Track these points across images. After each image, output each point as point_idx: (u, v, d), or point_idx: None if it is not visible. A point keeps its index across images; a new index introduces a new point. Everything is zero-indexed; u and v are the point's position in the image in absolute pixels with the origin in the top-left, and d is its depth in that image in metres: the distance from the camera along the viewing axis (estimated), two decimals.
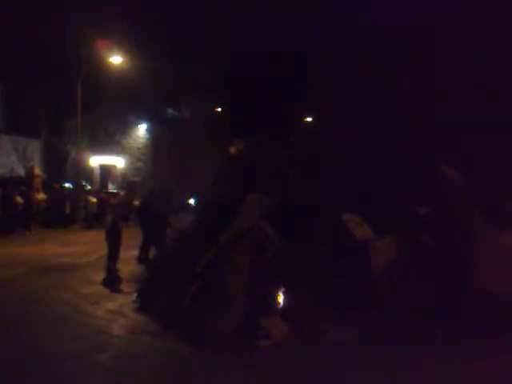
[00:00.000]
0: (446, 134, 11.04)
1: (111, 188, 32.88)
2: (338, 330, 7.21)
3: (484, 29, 12.66)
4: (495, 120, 11.53)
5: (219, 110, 43.60)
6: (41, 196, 23.32)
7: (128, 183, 32.65)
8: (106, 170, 36.22)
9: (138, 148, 37.09)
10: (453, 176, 9.42)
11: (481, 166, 10.00)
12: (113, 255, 11.46)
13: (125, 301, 9.38)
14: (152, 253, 12.66)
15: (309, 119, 29.36)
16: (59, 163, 33.74)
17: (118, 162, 36.46)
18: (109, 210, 12.14)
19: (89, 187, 29.97)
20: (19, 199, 20.68)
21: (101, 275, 11.35)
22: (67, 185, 28.17)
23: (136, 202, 21.04)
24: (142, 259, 12.64)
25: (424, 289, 7.58)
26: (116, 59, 26.52)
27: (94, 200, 24.52)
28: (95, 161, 35.63)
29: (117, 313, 8.64)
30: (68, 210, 24.30)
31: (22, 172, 29.11)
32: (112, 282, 10.85)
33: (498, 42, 12.63)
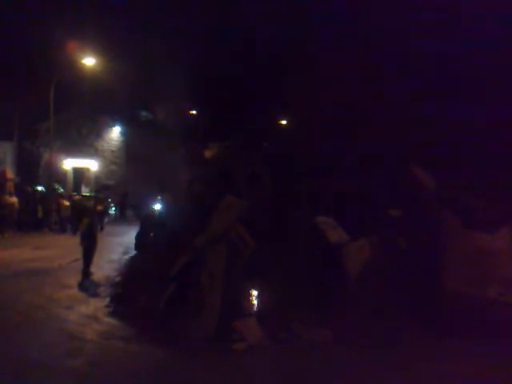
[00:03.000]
0: (418, 136, 11.21)
1: (84, 191, 32.49)
2: (312, 331, 7.25)
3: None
4: (466, 122, 11.74)
5: (194, 112, 43.44)
6: (13, 199, 22.92)
7: (101, 186, 32.30)
8: (79, 173, 35.77)
9: (112, 151, 36.73)
10: (424, 178, 9.55)
11: (452, 167, 10.16)
12: (88, 259, 11.42)
13: (98, 305, 9.28)
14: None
15: (283, 122, 29.48)
16: (32, 166, 33.22)
17: (92, 164, 36.03)
18: (84, 214, 12.03)
19: (62, 190, 29.55)
20: None
21: (74, 279, 11.23)
22: (40, 188, 27.75)
23: (99, 207, 20.92)
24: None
25: (397, 290, 7.67)
26: (89, 61, 26.25)
27: (67, 203, 24.23)
28: (68, 164, 35.15)
29: (90, 317, 8.54)
30: (40, 214, 23.94)
31: None
32: (87, 285, 10.76)
33: None
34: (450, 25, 13.16)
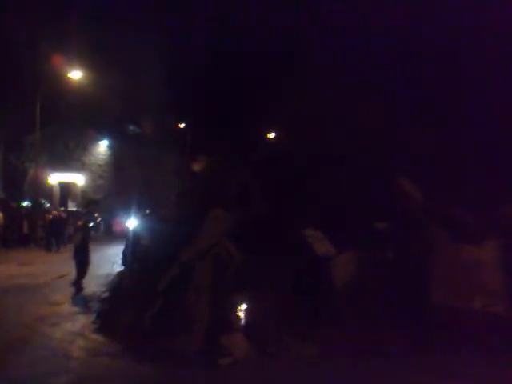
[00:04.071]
0: (406, 148, 11.28)
1: (71, 206, 32.27)
2: (300, 345, 7.21)
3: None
4: (456, 131, 11.85)
5: (182, 126, 43.47)
6: None
7: (89, 201, 32.08)
8: (65, 188, 35.52)
9: (99, 165, 36.57)
10: (412, 190, 9.59)
11: (440, 179, 10.23)
12: (81, 273, 11.58)
13: (84, 321, 9.17)
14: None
15: (271, 135, 29.57)
16: (17, 181, 32.96)
17: (78, 179, 35.82)
18: (77, 229, 12.17)
19: (48, 205, 29.33)
20: None
21: (60, 296, 11.17)
22: (26, 203, 27.53)
23: (80, 222, 20.84)
24: None
25: (385, 303, 7.67)
26: (75, 74, 26.23)
27: (64, 216, 24.11)
28: (54, 178, 34.91)
29: (76, 334, 8.43)
30: (26, 230, 23.75)
31: None
32: (78, 300, 10.81)
33: None
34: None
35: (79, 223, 12.70)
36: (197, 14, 34.61)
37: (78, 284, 11.62)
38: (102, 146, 36.71)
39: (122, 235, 22.88)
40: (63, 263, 16.70)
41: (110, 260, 15.37)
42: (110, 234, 27.84)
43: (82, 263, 11.66)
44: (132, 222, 16.90)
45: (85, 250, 11.84)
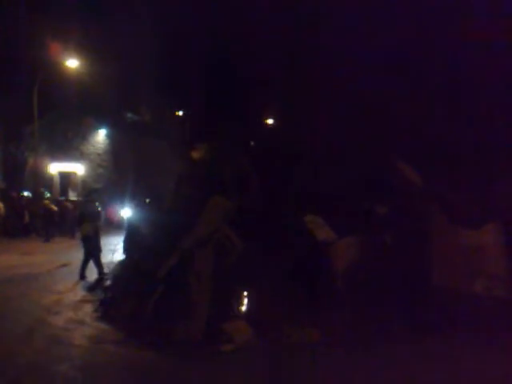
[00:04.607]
0: (404, 133, 11.27)
1: (72, 196, 32.25)
2: (300, 331, 7.25)
3: None
4: (451, 117, 11.82)
5: (180, 113, 43.29)
6: None
7: (90, 190, 32.07)
8: (65, 178, 35.47)
9: (98, 154, 36.47)
10: (411, 174, 9.60)
11: (440, 163, 10.23)
12: (86, 262, 12.06)
13: (86, 310, 9.23)
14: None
15: (270, 121, 29.51)
16: (17, 171, 32.90)
17: (78, 168, 35.75)
18: (87, 218, 12.29)
19: (48, 195, 29.33)
20: None
21: (62, 285, 11.27)
22: (26, 193, 27.53)
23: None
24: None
25: (385, 287, 7.70)
26: (72, 63, 26.08)
27: (55, 208, 24.10)
28: (54, 168, 34.84)
29: (79, 322, 8.49)
30: (27, 219, 23.80)
31: None
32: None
33: None
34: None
35: (85, 211, 12.78)
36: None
37: (101, 271, 11.93)
38: (101, 135, 36.57)
39: (118, 224, 22.97)
40: (65, 253, 16.80)
41: (110, 249, 15.40)
42: (111, 224, 27.82)
43: (95, 250, 12.09)
44: (127, 211, 16.88)
45: (96, 238, 12.25)
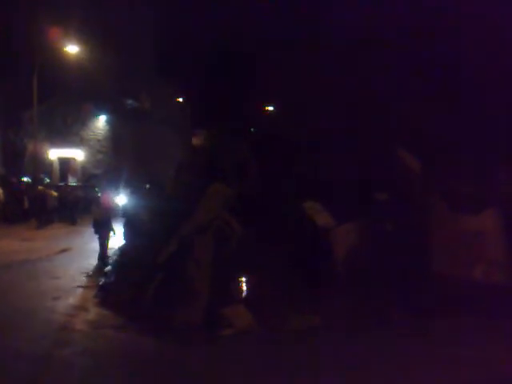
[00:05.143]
0: (406, 121, 11.24)
1: (71, 181, 32.19)
2: (301, 317, 7.28)
3: None
4: (454, 105, 11.79)
5: (180, 100, 43.14)
6: None
7: (90, 176, 32.04)
8: (65, 163, 35.39)
9: (98, 140, 36.36)
10: (411, 162, 9.59)
11: (440, 151, 10.22)
12: (105, 246, 11.99)
13: (87, 295, 9.26)
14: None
15: (270, 108, 29.45)
16: (17, 157, 32.82)
17: (78, 154, 35.67)
18: (95, 202, 12.37)
19: (48, 181, 29.28)
20: None
21: (62, 270, 11.27)
22: (25, 179, 27.47)
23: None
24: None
25: (385, 273, 7.73)
26: (72, 48, 25.91)
27: (55, 194, 24.08)
28: (54, 154, 34.76)
29: (79, 307, 8.53)
30: (27, 205, 23.75)
31: None
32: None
33: None
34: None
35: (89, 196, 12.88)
36: None
37: (105, 257, 11.84)
38: (101, 121, 36.43)
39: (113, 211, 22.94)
40: (64, 238, 16.81)
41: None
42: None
43: (104, 236, 11.95)
44: (122, 198, 16.88)
45: (108, 222, 12.15)
